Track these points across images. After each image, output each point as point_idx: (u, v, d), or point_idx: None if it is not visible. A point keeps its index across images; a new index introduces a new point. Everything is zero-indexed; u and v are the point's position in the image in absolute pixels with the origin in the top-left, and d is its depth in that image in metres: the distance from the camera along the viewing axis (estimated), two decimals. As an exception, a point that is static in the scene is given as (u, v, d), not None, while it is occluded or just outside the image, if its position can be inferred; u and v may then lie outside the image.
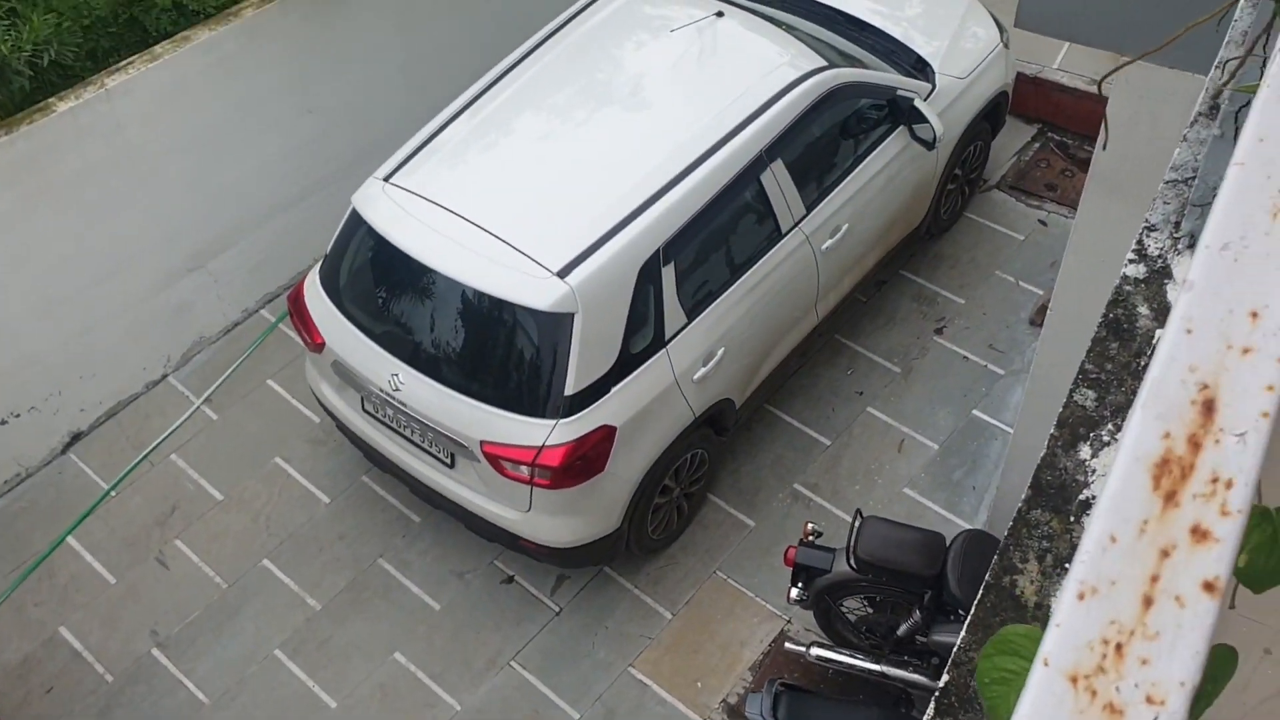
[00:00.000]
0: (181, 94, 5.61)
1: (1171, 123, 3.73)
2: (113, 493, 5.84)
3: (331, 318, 5.04)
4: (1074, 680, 0.50)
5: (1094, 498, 1.31)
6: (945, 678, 1.36)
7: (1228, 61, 1.38)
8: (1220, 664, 0.90)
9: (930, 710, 1.34)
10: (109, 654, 5.28)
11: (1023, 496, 1.39)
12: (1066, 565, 1.30)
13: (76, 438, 6.03)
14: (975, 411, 5.91)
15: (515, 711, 5.01)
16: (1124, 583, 0.49)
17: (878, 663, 4.67)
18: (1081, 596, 0.52)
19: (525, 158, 5.06)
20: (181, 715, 5.08)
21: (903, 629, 4.57)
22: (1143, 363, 1.39)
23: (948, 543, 4.42)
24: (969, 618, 1.36)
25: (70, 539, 5.67)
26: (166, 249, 5.95)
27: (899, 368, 6.12)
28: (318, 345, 5.10)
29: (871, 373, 6.11)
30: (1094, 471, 1.36)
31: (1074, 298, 4.21)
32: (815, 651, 4.73)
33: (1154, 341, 1.41)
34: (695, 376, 4.96)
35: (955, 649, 1.34)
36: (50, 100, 5.21)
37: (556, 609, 5.31)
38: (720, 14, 5.55)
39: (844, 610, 4.78)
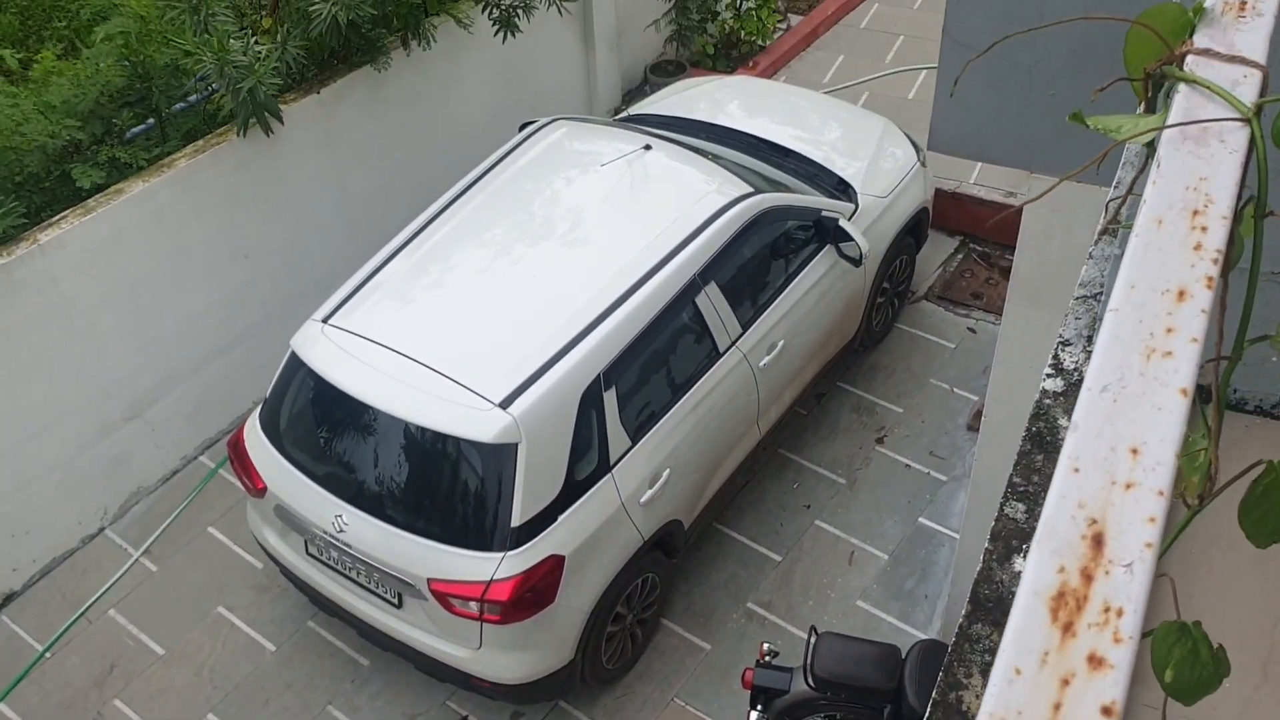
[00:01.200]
0: (115, 245, 5.63)
1: (1083, 232, 3.91)
2: (47, 654, 5.64)
3: (273, 461, 5.00)
4: None
5: (1028, 611, 1.36)
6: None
7: (1110, 201, 1.47)
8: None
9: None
10: (45, 827, 5.04)
11: (962, 611, 1.42)
12: (1007, 680, 1.34)
13: (9, 598, 5.84)
14: (922, 519, 5.96)
15: None
16: (1030, 711, 0.53)
17: (843, 782, 4.61)
18: None
19: (463, 292, 5.12)
20: None
21: (865, 746, 4.52)
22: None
23: (904, 654, 4.42)
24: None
25: (2, 706, 5.44)
26: (102, 400, 5.89)
27: (844, 479, 6.18)
28: (259, 490, 5.04)
29: (817, 485, 6.16)
30: (1026, 585, 1.40)
31: (1005, 404, 4.31)
32: (779, 774, 4.65)
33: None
34: (642, 499, 4.97)
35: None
36: (-19, 258, 5.21)
37: (513, 748, 5.19)
38: (648, 147, 5.73)
39: (805, 730, 4.72)
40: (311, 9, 5.72)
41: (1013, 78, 3.41)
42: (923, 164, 6.68)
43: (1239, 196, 0.80)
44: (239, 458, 5.13)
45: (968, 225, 7.54)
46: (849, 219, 5.95)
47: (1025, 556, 1.56)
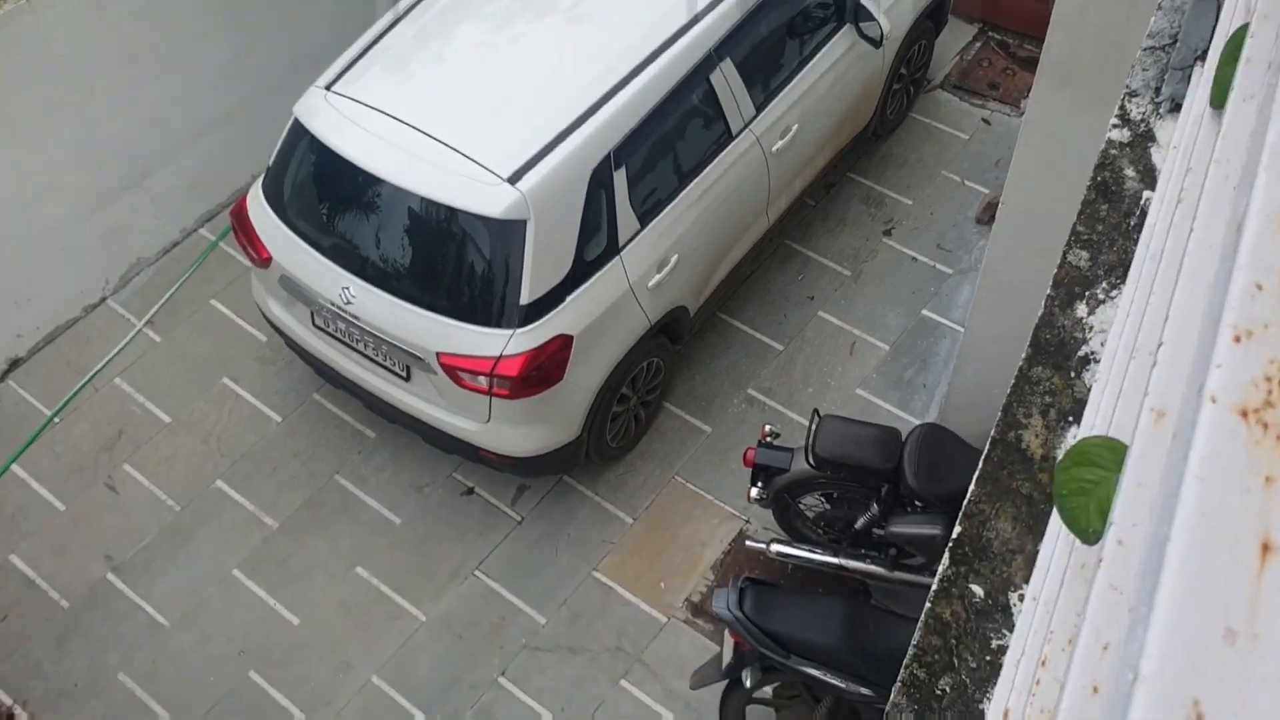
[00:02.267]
0: (109, 4, 5.38)
1: (1118, 11, 3.74)
2: (56, 419, 5.72)
3: (277, 232, 4.93)
4: (1244, 414, 0.51)
5: (1092, 353, 1.33)
6: (958, 529, 1.38)
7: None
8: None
9: (945, 561, 1.37)
10: (63, 580, 5.22)
11: (1023, 356, 1.41)
12: (1070, 419, 1.33)
13: (15, 364, 5.87)
14: (925, 311, 5.98)
15: (481, 619, 5.05)
16: (1275, 325, 0.50)
17: (836, 556, 4.78)
18: (1237, 339, 0.53)
19: (470, 63, 4.94)
20: (142, 638, 5.05)
21: (860, 523, 4.66)
22: (1131, 223, 1.40)
23: (904, 437, 4.50)
24: (978, 472, 1.38)
25: (15, 467, 5.55)
26: (100, 167, 5.76)
27: (849, 270, 6.15)
28: (264, 261, 4.99)
29: (822, 276, 6.14)
30: (1091, 329, 1.37)
31: (1025, 191, 4.24)
32: (775, 548, 4.81)
33: (1141, 202, 1.43)
34: (650, 284, 4.94)
35: (966, 502, 1.36)
36: (-33, 12, 4.98)
37: (518, 518, 5.34)
38: (664, -88, 5.41)
39: (802, 508, 4.86)
40: None
41: None
42: (949, -56, 6.36)
43: None
44: (242, 227, 5.06)
45: (987, 13, 7.25)
46: (870, -2, 5.70)
47: (1087, 303, 1.54)
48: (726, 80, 5.09)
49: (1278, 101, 0.74)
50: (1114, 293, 1.36)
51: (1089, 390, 1.32)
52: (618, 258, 4.82)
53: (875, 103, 6.18)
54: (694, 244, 5.14)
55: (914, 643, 1.28)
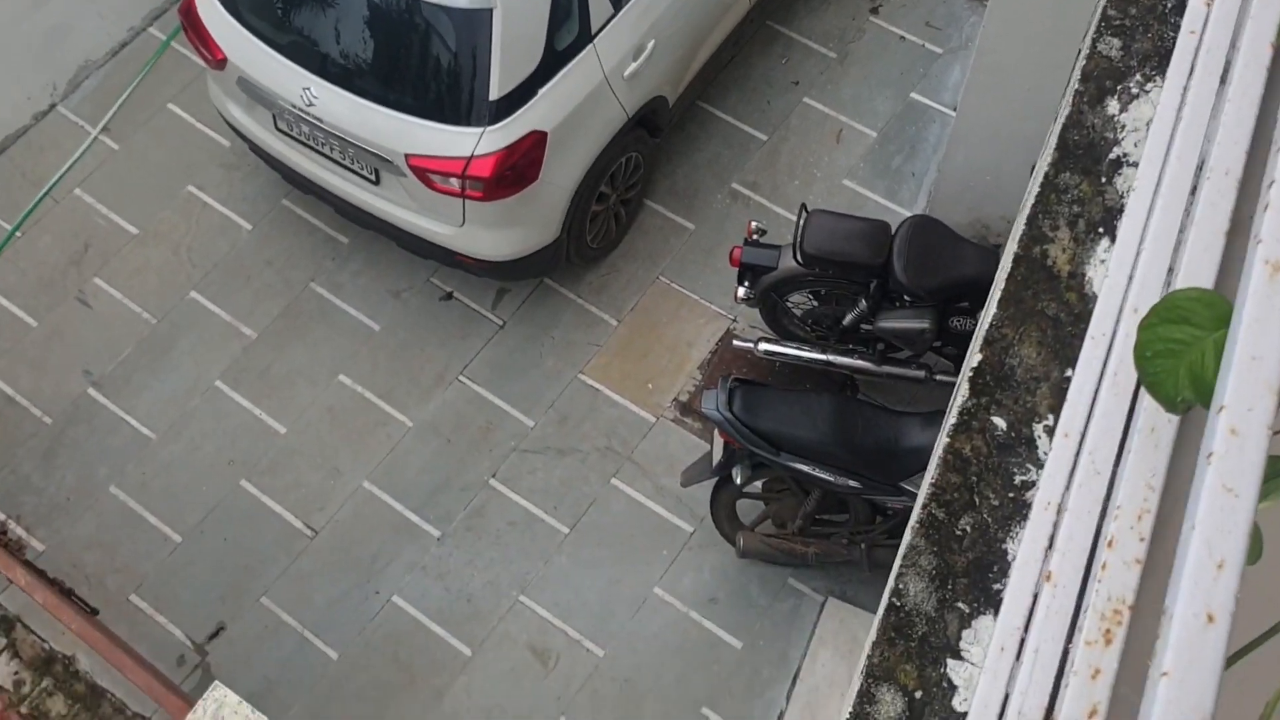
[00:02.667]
0: None
1: None
2: (18, 233, 5.53)
3: (231, 30, 4.62)
4: None
5: (1125, 155, 1.20)
6: (978, 356, 1.29)
7: None
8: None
9: (965, 390, 1.28)
10: (44, 397, 5.16)
11: (1048, 160, 1.27)
12: (1100, 230, 1.20)
13: (-32, 177, 5.64)
14: (913, 94, 5.74)
15: (469, 423, 5.05)
16: None
17: (824, 353, 4.75)
18: None
19: None
20: (129, 452, 5.04)
21: (849, 318, 4.60)
22: (1169, 4, 1.24)
23: (893, 230, 4.39)
24: (999, 294, 1.28)
25: (-19, 284, 5.41)
26: (30, -40, 5.36)
27: (835, 53, 5.87)
28: (219, 62, 4.70)
29: (807, 60, 5.86)
30: (1124, 128, 1.23)
31: (1025, -38, 3.98)
32: (763, 346, 4.77)
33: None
34: (626, 73, 4.70)
35: (987, 326, 1.26)
36: None
37: (500, 322, 5.26)
38: None
39: (790, 305, 4.79)
40: None
41: None
42: None
43: None
44: (193, 26, 4.74)
45: None
46: None
47: (1119, 98, 1.39)
48: None
49: None
50: (1149, 86, 1.21)
51: (1122, 198, 1.19)
52: (591, 46, 4.56)
53: None
54: (671, 28, 4.86)
55: (931, 480, 1.21)
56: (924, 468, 3.99)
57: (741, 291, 4.61)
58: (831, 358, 4.73)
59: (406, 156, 4.41)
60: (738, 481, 4.22)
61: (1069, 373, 1.20)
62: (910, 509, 4.00)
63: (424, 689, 4.57)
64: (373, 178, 4.66)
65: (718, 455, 4.24)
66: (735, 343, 4.93)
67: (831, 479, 4.10)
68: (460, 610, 4.69)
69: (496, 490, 4.91)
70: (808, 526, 4.42)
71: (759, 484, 4.43)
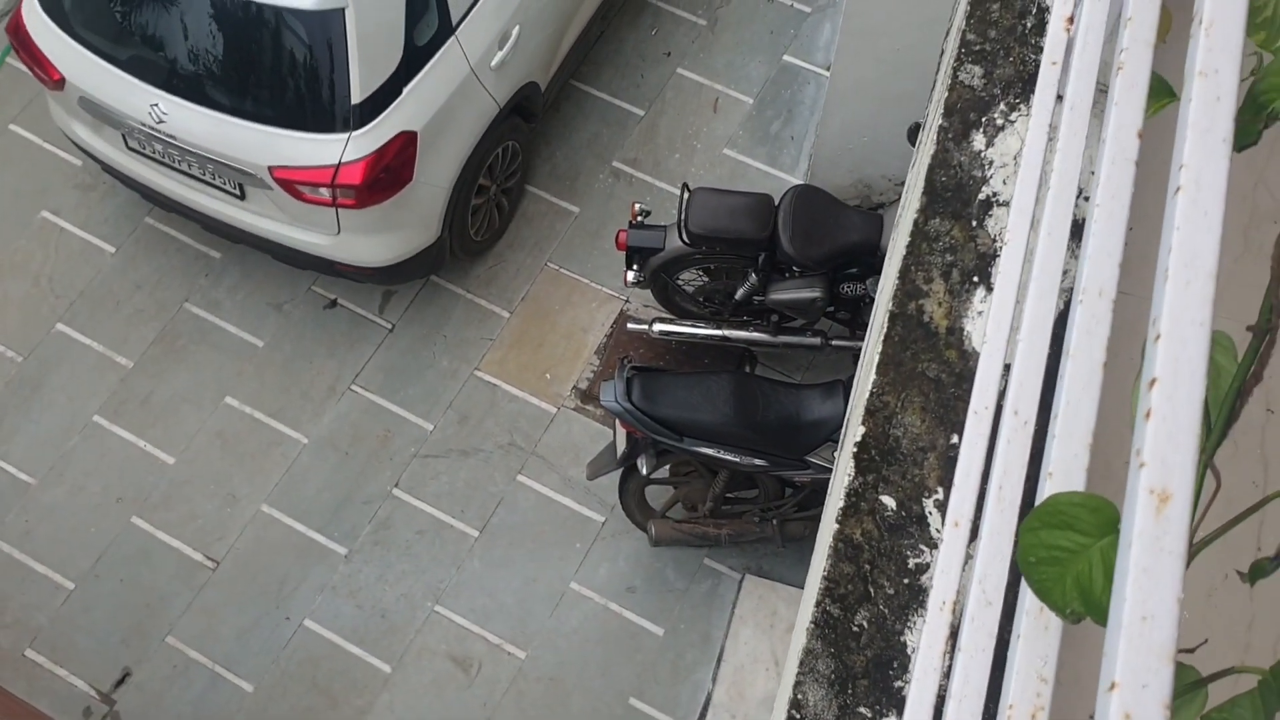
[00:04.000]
0: None
1: None
2: None
3: (65, 47, 4.36)
4: None
5: (995, 195, 1.14)
6: (861, 430, 1.23)
7: None
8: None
9: (849, 468, 1.22)
10: (-92, 451, 4.87)
11: (915, 206, 1.22)
12: (975, 279, 1.15)
13: None
14: (786, 56, 5.70)
15: (366, 434, 4.91)
16: None
17: (719, 328, 4.72)
18: None
19: None
20: (8, 499, 4.80)
21: (740, 293, 4.57)
22: (1029, 25, 1.19)
23: (776, 202, 4.35)
24: (877, 358, 1.22)
25: None
26: None
27: (704, 20, 5.79)
28: (56, 82, 4.43)
29: (677, 29, 5.77)
30: (992, 164, 1.18)
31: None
32: (658, 327, 4.72)
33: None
34: (493, 63, 4.56)
35: (867, 396, 1.20)
36: None
37: (389, 326, 5.11)
38: None
39: (681, 283, 4.74)
40: None
41: None
42: None
43: None
44: (23, 45, 4.46)
45: None
46: None
47: (984, 132, 1.34)
48: None
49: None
50: (1014, 115, 1.15)
51: (995, 242, 1.14)
52: (453, 38, 4.41)
53: None
54: (535, 11, 4.73)
55: (823, 573, 1.15)
56: (827, 440, 4.00)
57: (631, 275, 4.55)
58: (727, 333, 4.71)
59: (270, 169, 4.22)
60: (644, 471, 4.17)
61: (955, 439, 1.16)
62: (819, 480, 4.00)
63: (347, 710, 4.47)
64: (237, 192, 4.46)
65: (621, 445, 4.18)
66: (630, 325, 4.86)
67: (738, 459, 4.08)
68: (375, 627, 4.59)
69: (401, 500, 4.80)
70: (718, 508, 4.40)
71: (666, 469, 4.39)
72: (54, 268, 5.22)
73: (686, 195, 4.31)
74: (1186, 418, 0.67)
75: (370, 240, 4.52)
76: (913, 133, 3.58)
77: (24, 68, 5.36)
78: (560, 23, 4.97)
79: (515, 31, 4.61)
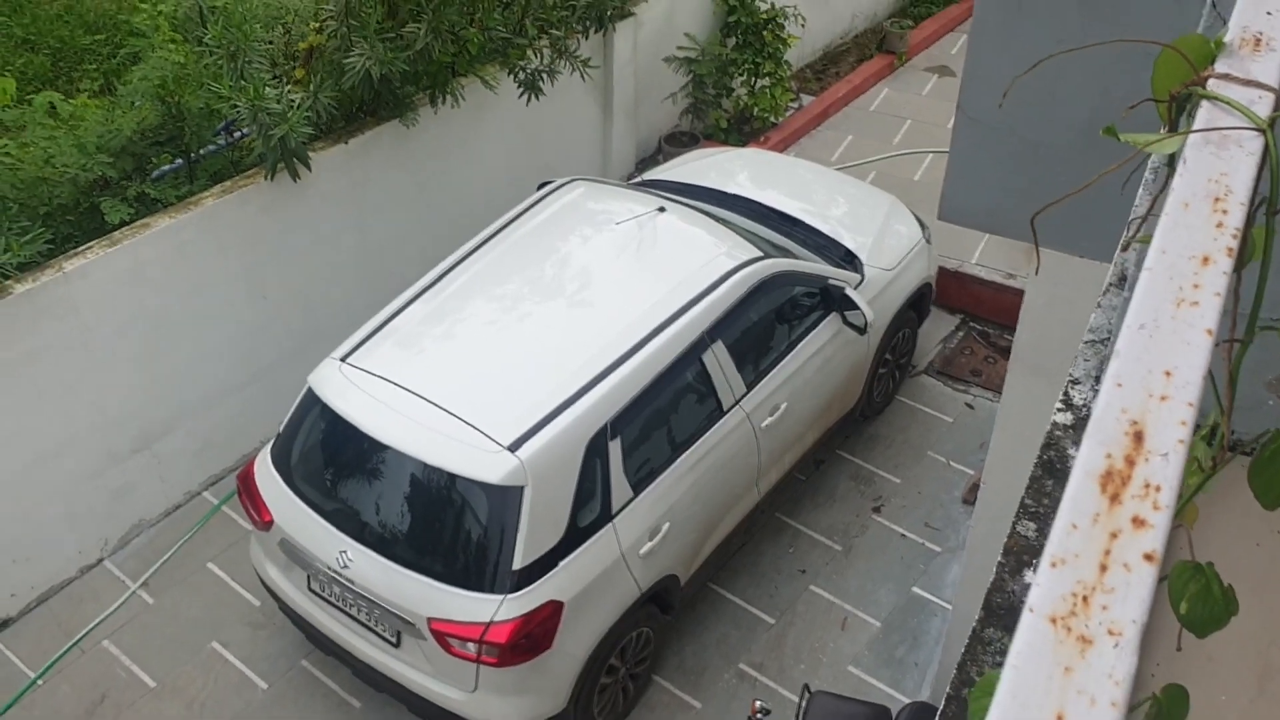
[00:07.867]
0: (138, 278, 5.75)
1: (1084, 306, 4.05)
2: (40, 681, 5.64)
3: (281, 495, 5.07)
4: (1053, 621, 0.63)
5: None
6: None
7: (1132, 220, 1.60)
8: (1173, 703, 1.01)
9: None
10: None
11: (974, 619, 1.51)
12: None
13: (4, 624, 5.85)
14: (915, 588, 6.02)
15: None
16: (1085, 555, 0.62)
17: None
18: (1054, 565, 0.65)
19: (478, 340, 5.24)
20: None
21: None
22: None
23: (894, 716, 4.46)
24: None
25: (-9, 731, 5.44)
26: (113, 430, 5.96)
27: (840, 545, 6.24)
28: (265, 524, 5.10)
29: (813, 550, 6.22)
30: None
31: (1003, 472, 4.41)
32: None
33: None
34: (641, 551, 5.03)
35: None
36: (8, 283, 5.31)
37: (501, 796, 5.17)
38: (663, 209, 5.90)
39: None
40: (346, 62, 5.93)
41: (1022, 154, 3.58)
42: (927, 241, 6.87)
43: (1254, 195, 0.92)
44: (248, 490, 5.20)
45: (968, 304, 7.70)
46: (855, 288, 6.10)
47: (1034, 569, 1.65)
48: (718, 360, 5.38)
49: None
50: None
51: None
52: (610, 524, 4.93)
53: (862, 385, 6.47)
54: (685, 513, 5.27)
55: None
56: None
57: (746, 772, 4.60)
58: None
59: (429, 620, 4.63)
60: None
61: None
62: None
63: None
64: (394, 640, 4.85)
65: None
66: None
67: None
68: None
69: None
70: None
71: None
72: (208, 695, 5.58)
73: (806, 697, 4.48)
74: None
75: (503, 701, 4.76)
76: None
77: (235, 514, 6.15)
78: (707, 527, 5.48)
79: (665, 527, 5.12)
